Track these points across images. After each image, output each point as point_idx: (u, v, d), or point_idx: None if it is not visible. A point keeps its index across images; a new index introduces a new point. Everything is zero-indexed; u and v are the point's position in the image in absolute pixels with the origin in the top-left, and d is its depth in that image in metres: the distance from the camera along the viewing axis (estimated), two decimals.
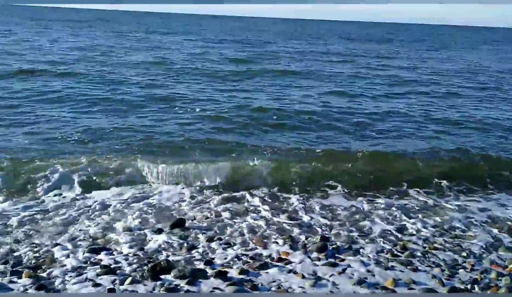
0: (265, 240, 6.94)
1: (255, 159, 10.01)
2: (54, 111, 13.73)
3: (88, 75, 19.77)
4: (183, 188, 8.96)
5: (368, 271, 6.08)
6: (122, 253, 6.38)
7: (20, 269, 5.76)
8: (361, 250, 6.72)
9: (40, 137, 11.16)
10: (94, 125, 12.30)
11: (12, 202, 7.93)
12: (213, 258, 6.29)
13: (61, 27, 54.20)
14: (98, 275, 5.68)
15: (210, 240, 6.85)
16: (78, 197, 8.35)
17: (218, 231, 7.25)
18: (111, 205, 8.06)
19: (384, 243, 7.01)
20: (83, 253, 6.28)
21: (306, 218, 7.89)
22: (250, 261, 6.22)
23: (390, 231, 7.47)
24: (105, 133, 11.64)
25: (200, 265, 6.06)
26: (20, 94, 15.71)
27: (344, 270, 6.04)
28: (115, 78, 19.41)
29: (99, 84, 18.00)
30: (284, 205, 8.45)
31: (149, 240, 6.81)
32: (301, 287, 5.59)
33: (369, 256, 6.50)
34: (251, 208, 8.25)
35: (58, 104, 14.64)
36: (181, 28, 68.26)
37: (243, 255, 6.40)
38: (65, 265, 5.96)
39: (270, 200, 8.63)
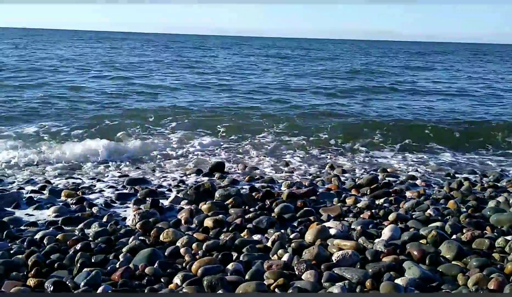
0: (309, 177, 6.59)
1: None
2: None
3: None
4: None
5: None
6: (162, 185, 6.12)
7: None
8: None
9: None
10: None
11: None
12: (257, 187, 5.95)
13: None
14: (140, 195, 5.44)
15: (251, 179, 6.52)
16: None
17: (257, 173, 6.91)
18: None
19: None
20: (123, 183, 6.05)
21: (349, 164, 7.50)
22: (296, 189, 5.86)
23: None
24: None
25: (246, 190, 5.73)
26: None
27: (396, 198, 5.61)
28: None
29: None
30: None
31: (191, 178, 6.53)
32: (357, 207, 5.19)
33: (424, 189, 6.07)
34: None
35: None
36: None
37: (289, 187, 6.05)
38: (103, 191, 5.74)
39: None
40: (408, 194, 5.89)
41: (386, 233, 4.21)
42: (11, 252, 3.80)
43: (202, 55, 36.20)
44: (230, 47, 52.83)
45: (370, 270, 3.48)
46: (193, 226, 4.61)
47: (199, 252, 3.85)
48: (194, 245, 3.96)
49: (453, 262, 3.72)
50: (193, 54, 36.50)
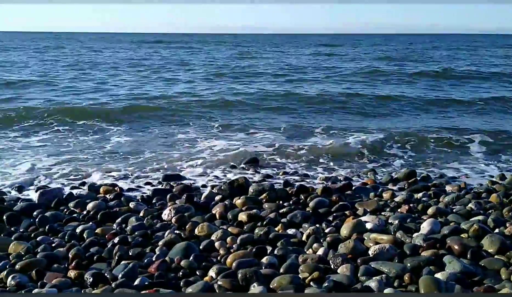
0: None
1: None
2: None
3: None
4: None
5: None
6: (196, 181, 6.19)
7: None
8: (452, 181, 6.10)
9: None
10: None
11: None
12: (292, 182, 5.91)
13: None
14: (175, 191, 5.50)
15: (285, 173, 6.49)
16: None
17: (292, 168, 6.86)
18: None
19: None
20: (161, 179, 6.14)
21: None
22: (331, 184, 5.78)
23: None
24: None
25: (280, 185, 5.71)
26: None
27: (436, 192, 5.43)
28: None
29: None
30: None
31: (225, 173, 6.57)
32: (394, 202, 5.08)
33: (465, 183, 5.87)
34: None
35: None
36: None
37: (323, 182, 5.98)
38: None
39: None
40: (448, 187, 5.71)
41: (425, 227, 4.09)
42: (53, 245, 3.93)
43: None
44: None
45: (409, 264, 3.40)
46: (228, 220, 4.62)
47: (234, 246, 3.86)
48: (228, 239, 3.97)
49: (495, 256, 3.58)
50: None
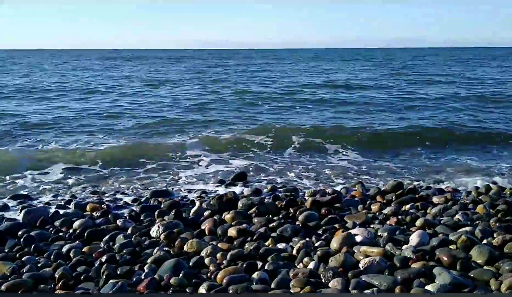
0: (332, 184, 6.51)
1: None
2: None
3: None
4: None
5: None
6: (185, 196, 6.15)
7: None
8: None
9: None
10: None
11: None
12: (281, 196, 5.90)
13: None
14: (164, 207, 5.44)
15: (274, 188, 6.48)
16: None
17: (281, 182, 6.87)
18: None
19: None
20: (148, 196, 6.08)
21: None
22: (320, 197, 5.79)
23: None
24: None
25: (269, 199, 5.69)
26: None
27: (423, 204, 5.48)
28: None
29: None
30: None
31: (214, 189, 6.54)
32: (383, 214, 5.11)
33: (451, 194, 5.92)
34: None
35: None
36: None
37: (312, 195, 5.99)
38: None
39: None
40: (435, 199, 5.75)
41: (414, 239, 4.11)
42: (39, 265, 3.85)
43: None
44: None
45: (399, 277, 3.40)
46: (217, 236, 4.58)
47: (224, 262, 3.82)
48: (218, 255, 3.93)
49: (485, 267, 3.61)
50: None
